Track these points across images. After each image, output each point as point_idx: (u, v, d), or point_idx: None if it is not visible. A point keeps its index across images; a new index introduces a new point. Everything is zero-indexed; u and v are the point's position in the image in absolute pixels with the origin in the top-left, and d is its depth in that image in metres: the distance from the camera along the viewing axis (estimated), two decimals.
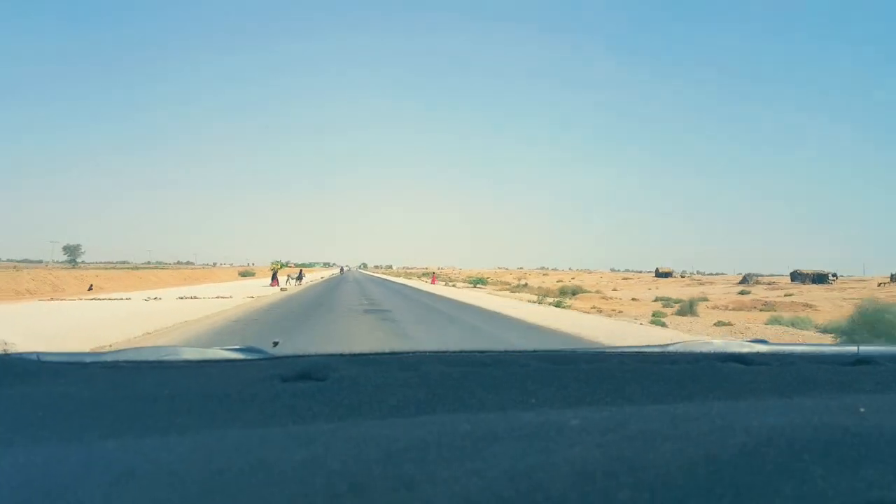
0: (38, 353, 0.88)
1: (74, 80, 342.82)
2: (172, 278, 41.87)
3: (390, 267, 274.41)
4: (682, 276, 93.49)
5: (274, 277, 29.99)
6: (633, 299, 26.76)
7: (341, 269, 75.84)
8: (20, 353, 0.89)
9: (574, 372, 0.78)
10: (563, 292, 29.44)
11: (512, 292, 32.25)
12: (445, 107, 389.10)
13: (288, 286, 28.25)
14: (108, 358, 0.90)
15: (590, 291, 34.85)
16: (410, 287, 34.82)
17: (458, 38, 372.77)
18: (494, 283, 49.47)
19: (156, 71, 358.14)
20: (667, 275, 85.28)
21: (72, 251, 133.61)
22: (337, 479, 0.36)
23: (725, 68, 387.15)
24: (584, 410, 0.55)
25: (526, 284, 47.08)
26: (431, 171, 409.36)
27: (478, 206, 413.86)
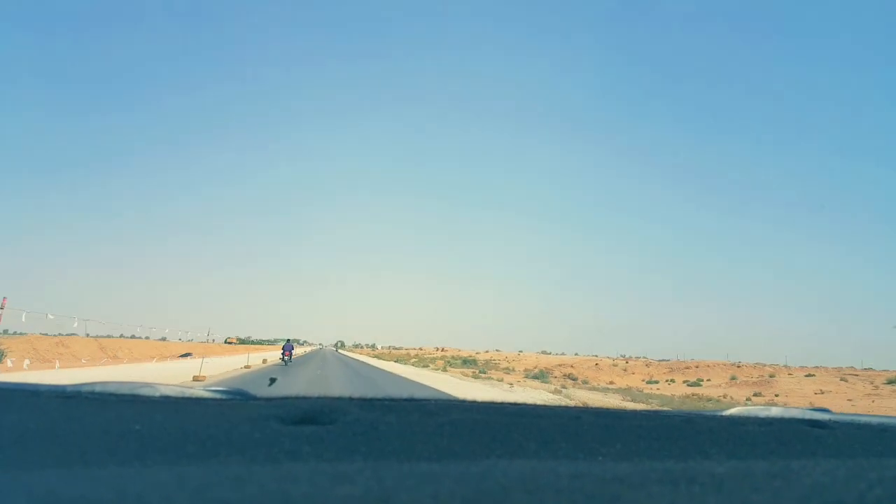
0: None
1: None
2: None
3: (374, 346, 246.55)
4: None
5: None
6: None
7: (287, 351, 29.69)
8: None
9: (637, 429, 0.67)
10: None
11: None
12: (439, 183, 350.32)
13: None
14: (69, 389, 0.78)
15: None
16: None
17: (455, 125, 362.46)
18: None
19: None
20: None
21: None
22: None
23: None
24: (680, 465, 0.42)
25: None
26: (420, 248, 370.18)
27: (471, 285, 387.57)
